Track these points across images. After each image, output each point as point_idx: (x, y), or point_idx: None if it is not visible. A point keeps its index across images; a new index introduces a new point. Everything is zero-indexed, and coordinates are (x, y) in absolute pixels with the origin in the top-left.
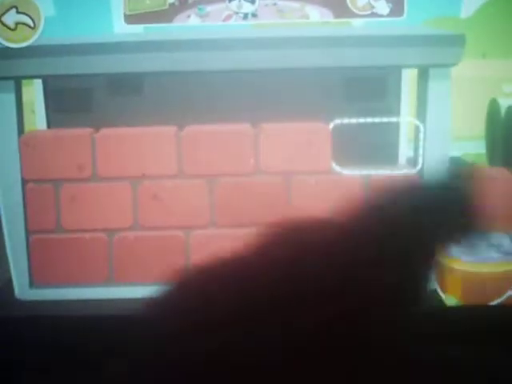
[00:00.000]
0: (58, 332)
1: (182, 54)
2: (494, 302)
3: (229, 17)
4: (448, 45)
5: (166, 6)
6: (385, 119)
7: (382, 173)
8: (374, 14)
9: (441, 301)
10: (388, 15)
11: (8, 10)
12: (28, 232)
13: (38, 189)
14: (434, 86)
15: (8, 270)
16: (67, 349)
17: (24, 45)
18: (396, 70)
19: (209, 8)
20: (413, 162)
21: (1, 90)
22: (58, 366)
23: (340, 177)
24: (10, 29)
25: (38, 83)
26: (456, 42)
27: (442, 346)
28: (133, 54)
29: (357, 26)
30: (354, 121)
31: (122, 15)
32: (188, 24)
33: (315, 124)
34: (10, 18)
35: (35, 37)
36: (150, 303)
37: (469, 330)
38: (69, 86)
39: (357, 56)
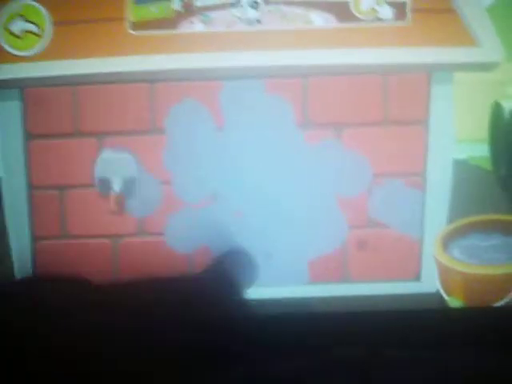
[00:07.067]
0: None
1: None
2: (499, 304)
3: (233, 23)
4: None
5: (172, 14)
6: None
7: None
8: (377, 19)
9: (444, 302)
10: (391, 20)
11: (15, 19)
12: (33, 237)
13: (44, 194)
14: (437, 89)
15: (13, 275)
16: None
17: (30, 53)
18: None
19: (213, 14)
20: None
21: (7, 98)
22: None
23: None
24: (17, 37)
25: None
26: None
27: (446, 347)
28: None
29: None
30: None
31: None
32: (192, 30)
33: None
34: (18, 26)
35: (42, 44)
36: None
37: (473, 331)
38: None
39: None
